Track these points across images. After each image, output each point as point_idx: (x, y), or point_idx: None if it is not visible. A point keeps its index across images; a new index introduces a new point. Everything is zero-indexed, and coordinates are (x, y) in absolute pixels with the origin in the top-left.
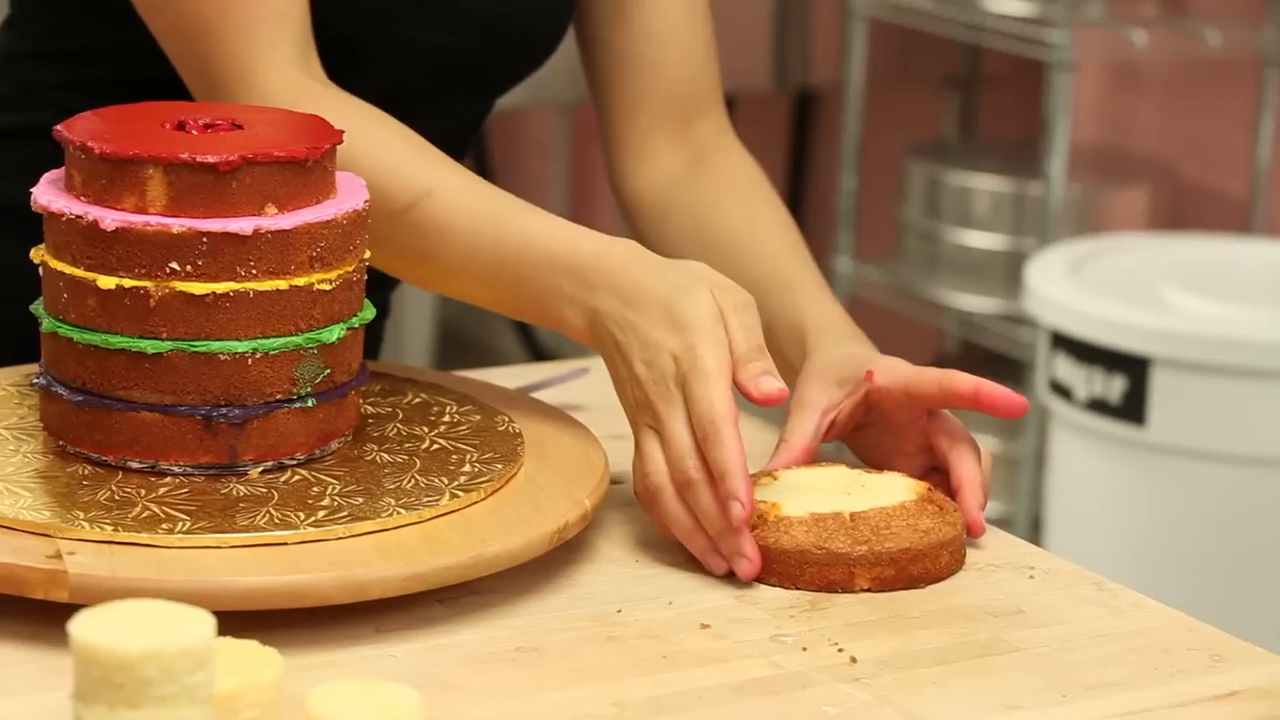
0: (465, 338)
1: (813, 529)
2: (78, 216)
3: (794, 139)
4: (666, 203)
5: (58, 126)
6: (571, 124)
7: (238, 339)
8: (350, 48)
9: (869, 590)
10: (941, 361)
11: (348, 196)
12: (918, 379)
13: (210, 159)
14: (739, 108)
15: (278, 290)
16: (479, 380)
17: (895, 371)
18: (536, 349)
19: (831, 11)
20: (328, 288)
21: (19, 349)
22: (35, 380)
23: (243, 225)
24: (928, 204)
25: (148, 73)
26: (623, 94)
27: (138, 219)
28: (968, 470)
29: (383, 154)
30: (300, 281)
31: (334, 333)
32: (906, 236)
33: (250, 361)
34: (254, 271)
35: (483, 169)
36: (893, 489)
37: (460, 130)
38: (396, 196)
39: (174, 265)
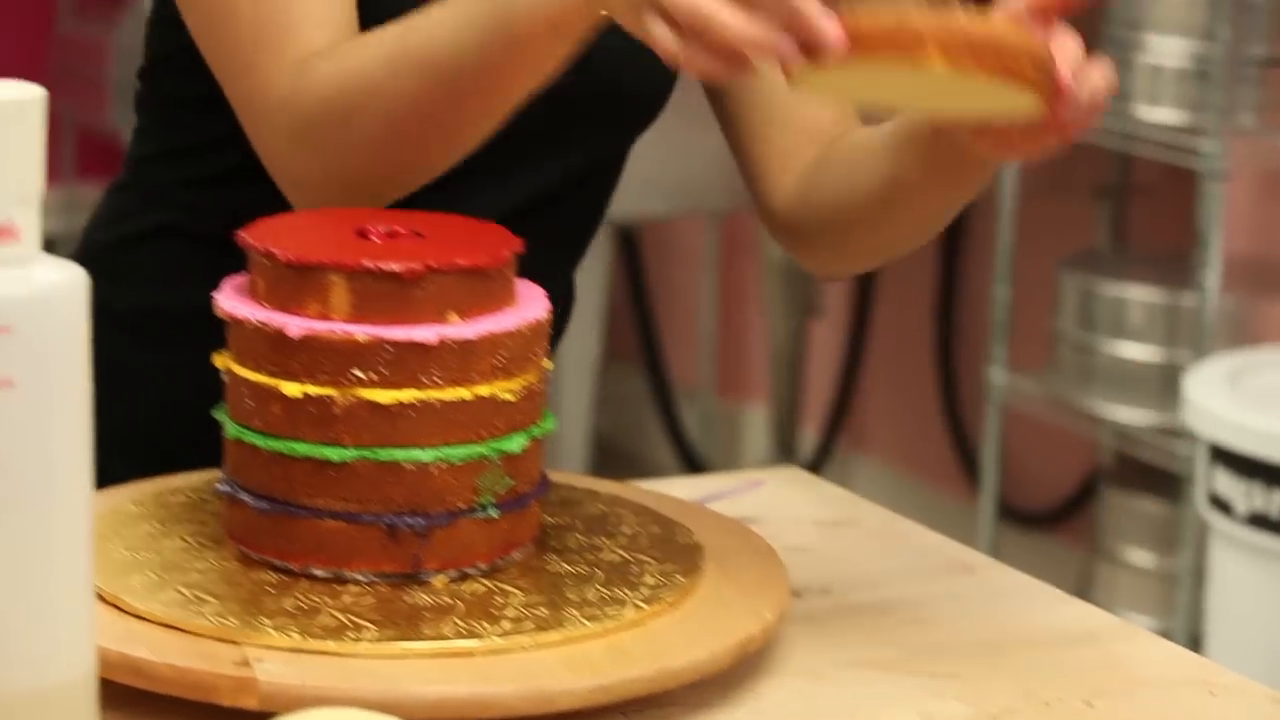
0: (619, 449)
1: (897, 14)
2: (262, 323)
3: (945, 249)
4: (808, 183)
5: (240, 232)
6: (721, 233)
7: (421, 447)
8: None
9: (938, 66)
10: (1098, 475)
11: (529, 305)
12: None
13: (394, 267)
14: None
15: (461, 399)
16: (655, 491)
17: None
18: (692, 460)
19: None
20: (510, 398)
21: (151, 447)
22: (219, 487)
23: (426, 334)
24: (1081, 315)
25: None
26: (762, 144)
27: (323, 326)
28: (1067, 47)
29: (370, 43)
30: (483, 391)
31: (516, 442)
32: (1060, 347)
33: (434, 470)
34: (437, 380)
35: (635, 277)
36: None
37: (567, 187)
38: (389, 56)
39: (358, 373)
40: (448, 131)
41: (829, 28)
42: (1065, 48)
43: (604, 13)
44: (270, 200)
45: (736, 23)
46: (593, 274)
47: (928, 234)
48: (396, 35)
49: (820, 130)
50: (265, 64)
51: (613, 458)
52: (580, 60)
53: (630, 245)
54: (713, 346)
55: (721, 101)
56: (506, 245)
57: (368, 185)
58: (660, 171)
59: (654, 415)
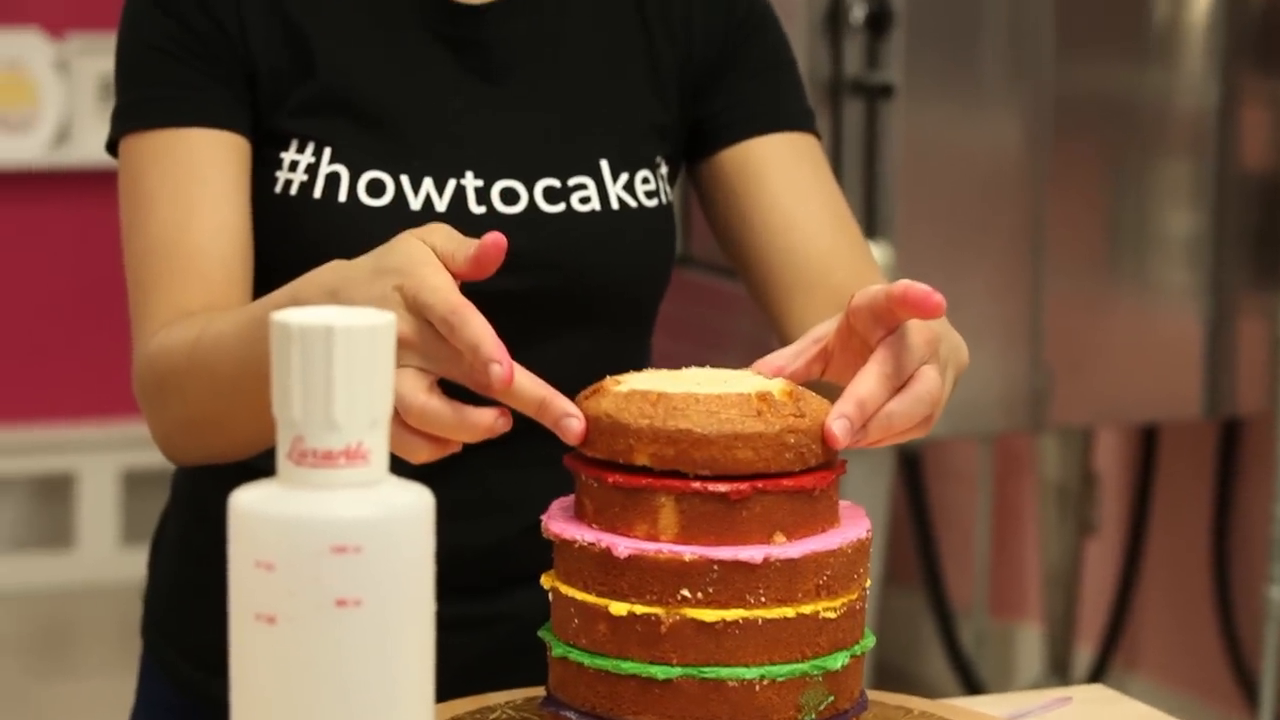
0: (895, 668)
1: (618, 400)
2: (590, 544)
3: (1222, 466)
4: None
5: (568, 457)
6: (994, 454)
7: (745, 665)
8: None
9: (652, 475)
10: None
11: (851, 525)
12: (873, 290)
13: (722, 488)
14: (1164, 436)
15: (785, 618)
16: (966, 708)
17: (869, 290)
18: (969, 679)
19: (1260, 339)
20: (833, 615)
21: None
22: (543, 705)
23: (753, 554)
24: None
25: None
26: (789, 305)
27: (650, 546)
28: (862, 382)
29: (179, 331)
30: (807, 609)
31: (838, 660)
32: None
33: (757, 688)
34: (763, 599)
35: (916, 498)
36: (743, 383)
37: (600, 359)
38: (181, 346)
39: (685, 592)
40: (245, 419)
41: (571, 427)
42: (857, 394)
43: None
44: None
45: (469, 424)
46: (875, 497)
47: None
48: (201, 327)
49: (846, 296)
50: (136, 323)
51: (889, 676)
52: (549, 263)
53: (912, 468)
54: (986, 565)
55: (750, 263)
56: (831, 468)
57: (189, 454)
58: None
59: (931, 634)
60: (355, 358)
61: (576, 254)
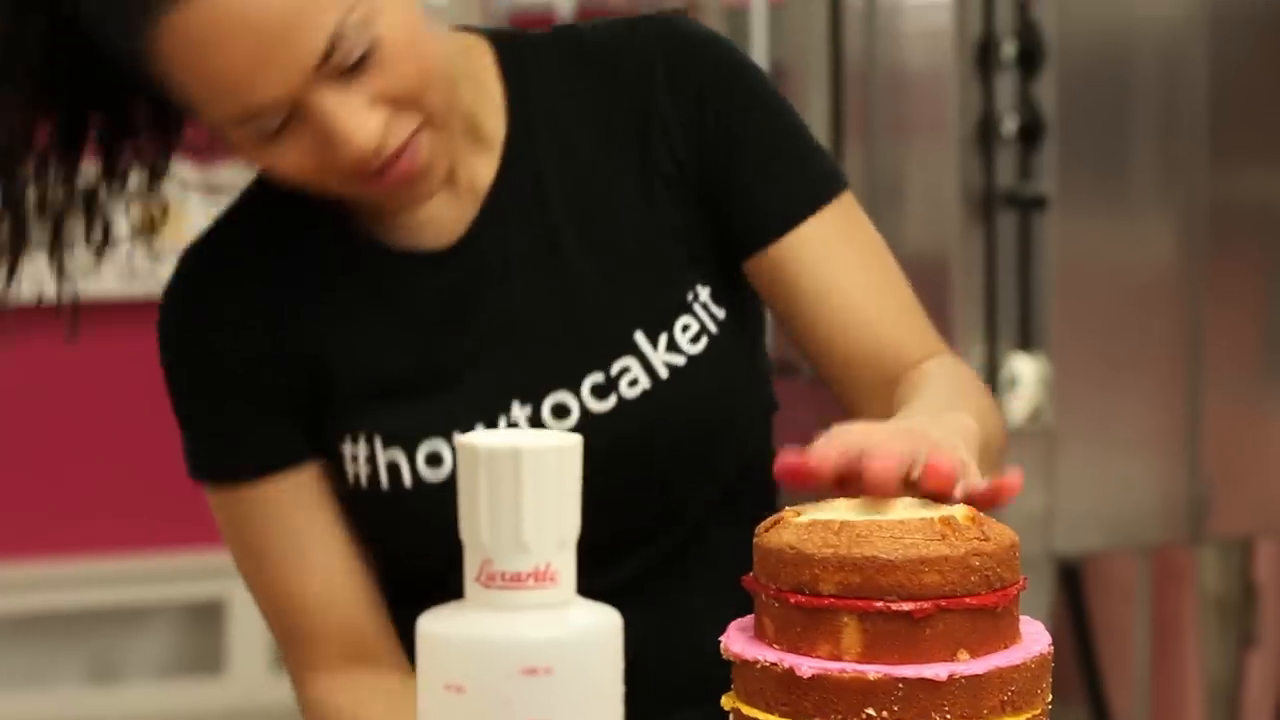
0: None
1: (800, 531)
2: (773, 664)
3: None
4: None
5: (747, 578)
6: (1152, 566)
7: None
8: None
9: (836, 596)
10: None
11: (1033, 641)
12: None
13: (905, 607)
14: None
15: None
16: None
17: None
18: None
19: None
20: None
21: None
22: None
23: (937, 671)
24: None
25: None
26: (842, 378)
27: (833, 666)
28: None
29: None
30: None
31: None
32: None
33: None
34: (948, 716)
35: (1077, 613)
36: (921, 509)
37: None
38: None
39: (870, 711)
40: None
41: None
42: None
43: None
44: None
45: None
46: (1037, 611)
47: None
48: None
49: (907, 363)
50: (283, 654)
51: None
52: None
53: (1072, 581)
54: (1146, 679)
55: (822, 360)
56: (1012, 583)
57: None
58: (1099, 506)
59: None
60: (543, 479)
61: (644, 443)
